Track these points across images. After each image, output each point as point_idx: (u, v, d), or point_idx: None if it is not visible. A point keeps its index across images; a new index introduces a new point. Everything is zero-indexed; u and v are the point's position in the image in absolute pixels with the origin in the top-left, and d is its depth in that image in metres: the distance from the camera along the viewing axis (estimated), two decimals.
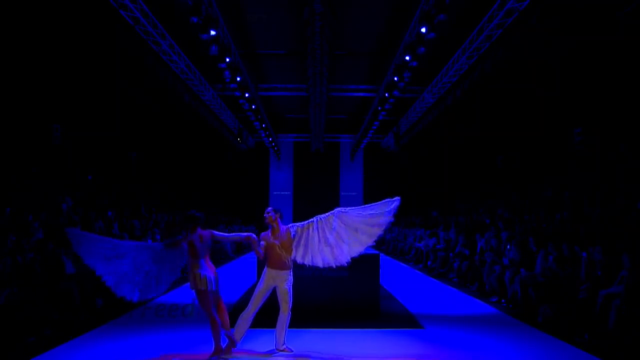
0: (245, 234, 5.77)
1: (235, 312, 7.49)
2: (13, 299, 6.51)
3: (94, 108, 15.89)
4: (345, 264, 5.68)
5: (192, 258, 5.43)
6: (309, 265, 5.72)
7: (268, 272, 5.66)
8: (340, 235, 5.65)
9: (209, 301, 5.39)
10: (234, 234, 6.34)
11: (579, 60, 12.89)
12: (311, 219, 5.81)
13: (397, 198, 5.68)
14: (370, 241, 5.68)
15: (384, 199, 5.72)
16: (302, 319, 7.32)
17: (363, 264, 7.97)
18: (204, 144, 24.26)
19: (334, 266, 5.67)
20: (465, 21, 13.65)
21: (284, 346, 5.75)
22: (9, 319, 6.22)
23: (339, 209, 5.82)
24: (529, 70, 14.31)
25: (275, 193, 30.17)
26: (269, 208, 5.78)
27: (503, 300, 9.06)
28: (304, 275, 7.69)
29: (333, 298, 7.70)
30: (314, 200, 29.43)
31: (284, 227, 5.73)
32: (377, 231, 5.64)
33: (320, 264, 5.67)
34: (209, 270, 5.45)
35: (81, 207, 12.55)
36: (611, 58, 12.00)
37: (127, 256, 5.44)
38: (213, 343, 5.48)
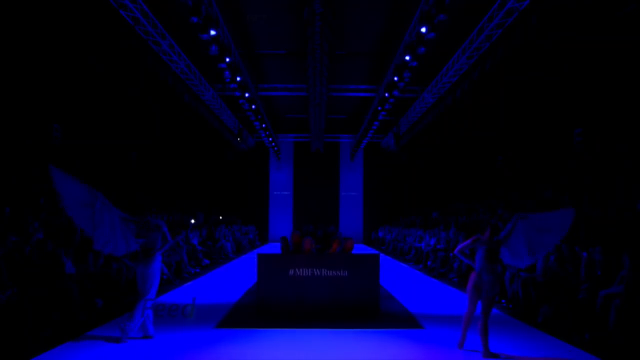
0: None
1: (236, 312, 7.50)
2: (13, 299, 6.51)
3: (94, 108, 15.88)
4: None
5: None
6: None
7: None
8: None
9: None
10: None
11: (579, 61, 12.90)
12: None
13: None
14: None
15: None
16: (302, 318, 7.35)
17: (363, 264, 8.01)
18: (204, 144, 24.26)
19: None
20: (465, 21, 13.65)
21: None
22: (9, 319, 6.22)
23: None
24: (529, 71, 14.31)
25: (275, 193, 30.18)
26: None
27: (503, 300, 9.06)
28: (304, 276, 7.71)
29: (333, 298, 7.69)
30: (314, 200, 29.44)
31: None
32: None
33: None
34: None
35: None
36: (611, 58, 12.00)
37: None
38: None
